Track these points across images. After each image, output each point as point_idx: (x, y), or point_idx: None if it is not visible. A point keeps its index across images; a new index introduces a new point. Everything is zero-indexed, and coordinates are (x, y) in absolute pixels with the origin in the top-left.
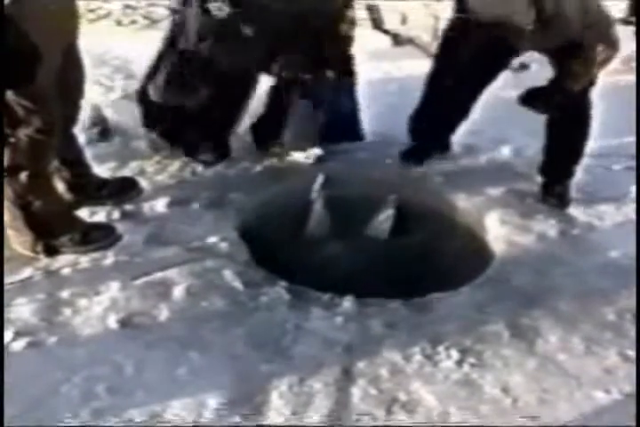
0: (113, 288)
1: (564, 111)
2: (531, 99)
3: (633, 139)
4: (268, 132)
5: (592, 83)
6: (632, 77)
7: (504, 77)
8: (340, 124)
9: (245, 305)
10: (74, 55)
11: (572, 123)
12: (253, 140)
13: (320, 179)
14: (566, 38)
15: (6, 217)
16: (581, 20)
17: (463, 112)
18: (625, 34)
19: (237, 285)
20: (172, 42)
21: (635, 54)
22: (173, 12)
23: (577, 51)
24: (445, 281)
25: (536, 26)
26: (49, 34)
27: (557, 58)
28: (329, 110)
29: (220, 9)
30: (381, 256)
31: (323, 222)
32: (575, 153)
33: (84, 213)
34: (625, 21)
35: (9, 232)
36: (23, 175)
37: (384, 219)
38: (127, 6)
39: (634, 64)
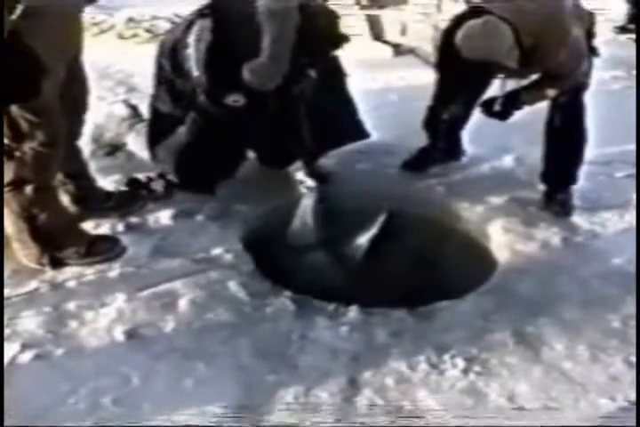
0: (119, 300)
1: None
2: (490, 108)
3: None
4: (270, 151)
5: (585, 85)
6: (634, 84)
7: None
8: (341, 126)
9: (250, 316)
10: (78, 69)
11: (568, 127)
12: (257, 159)
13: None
14: (545, 69)
15: (12, 230)
16: (559, 53)
17: (463, 120)
18: (623, 41)
19: (242, 295)
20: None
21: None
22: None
23: (551, 79)
24: (449, 290)
25: (519, 62)
26: (54, 48)
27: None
28: (326, 114)
29: (235, 101)
30: (385, 266)
31: (307, 220)
32: (574, 158)
33: (88, 226)
34: (623, 29)
35: (15, 245)
36: (28, 188)
37: (363, 241)
38: (130, 20)
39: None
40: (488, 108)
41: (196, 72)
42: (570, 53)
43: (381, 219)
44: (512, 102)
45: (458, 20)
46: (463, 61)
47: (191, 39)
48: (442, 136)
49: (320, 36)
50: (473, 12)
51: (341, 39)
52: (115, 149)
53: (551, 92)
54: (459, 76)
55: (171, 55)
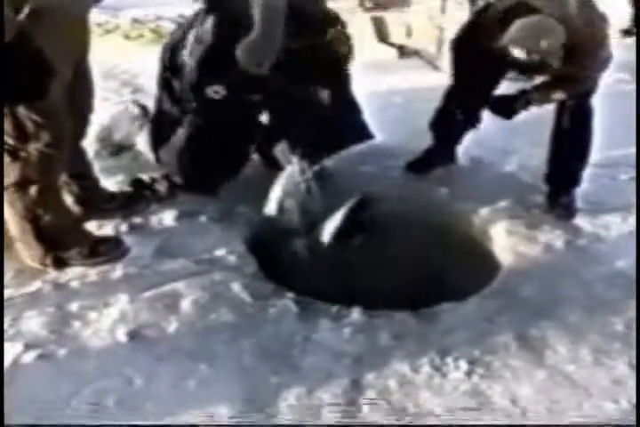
0: (122, 301)
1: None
2: (497, 106)
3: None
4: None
5: (593, 89)
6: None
7: (508, 88)
8: (345, 128)
9: (254, 317)
10: (84, 70)
11: (575, 130)
12: (262, 160)
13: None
14: (567, 71)
15: (16, 230)
16: (593, 54)
17: (472, 120)
18: (627, 44)
19: (245, 297)
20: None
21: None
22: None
23: (564, 81)
24: (452, 292)
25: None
26: (61, 49)
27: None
28: (330, 117)
29: (216, 92)
30: (389, 268)
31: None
32: (579, 160)
33: (92, 226)
34: (627, 32)
35: (18, 245)
36: (33, 189)
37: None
38: (135, 20)
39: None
40: (495, 105)
41: (189, 63)
42: (595, 56)
43: (350, 204)
44: (520, 102)
45: (496, 16)
46: (481, 59)
47: (191, 37)
48: (448, 137)
49: (309, 17)
50: (513, 9)
51: (332, 20)
52: (119, 149)
53: (561, 95)
54: (474, 74)
55: (170, 55)
